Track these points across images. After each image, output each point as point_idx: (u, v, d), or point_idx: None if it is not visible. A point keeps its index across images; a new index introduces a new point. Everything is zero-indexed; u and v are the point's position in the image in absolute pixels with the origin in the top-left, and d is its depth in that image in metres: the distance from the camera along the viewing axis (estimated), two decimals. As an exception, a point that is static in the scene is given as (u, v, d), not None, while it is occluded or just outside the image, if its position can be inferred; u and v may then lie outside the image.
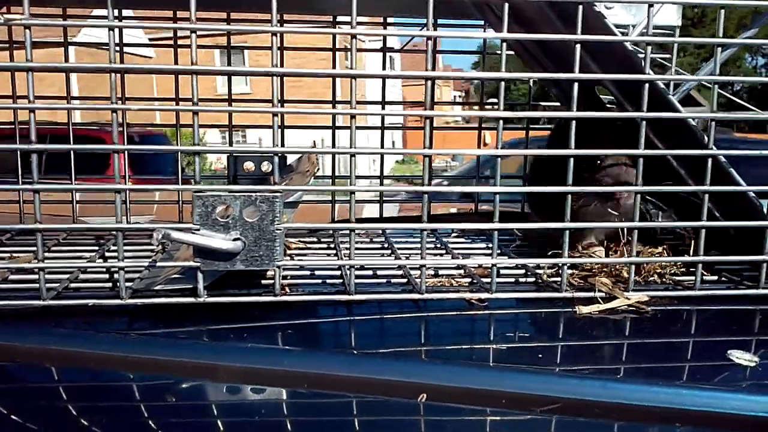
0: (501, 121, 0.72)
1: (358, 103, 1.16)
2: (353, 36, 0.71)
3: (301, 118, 0.82)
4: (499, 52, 0.74)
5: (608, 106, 0.95)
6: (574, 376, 0.59)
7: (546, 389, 0.57)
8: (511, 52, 1.21)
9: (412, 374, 0.59)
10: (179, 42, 1.09)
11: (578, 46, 0.72)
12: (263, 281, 0.81)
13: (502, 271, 0.83)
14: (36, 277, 0.81)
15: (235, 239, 0.69)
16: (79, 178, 1.13)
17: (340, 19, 1.18)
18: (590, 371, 0.60)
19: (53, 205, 1.16)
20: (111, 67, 0.68)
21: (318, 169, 0.78)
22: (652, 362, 0.63)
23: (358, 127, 1.13)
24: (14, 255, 0.92)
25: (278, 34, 0.71)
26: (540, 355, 0.63)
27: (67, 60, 1.03)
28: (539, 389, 0.57)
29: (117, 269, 0.71)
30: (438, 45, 1.31)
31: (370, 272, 0.84)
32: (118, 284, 0.79)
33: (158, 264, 0.73)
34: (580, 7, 0.72)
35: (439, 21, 1.17)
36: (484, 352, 0.66)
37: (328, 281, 0.82)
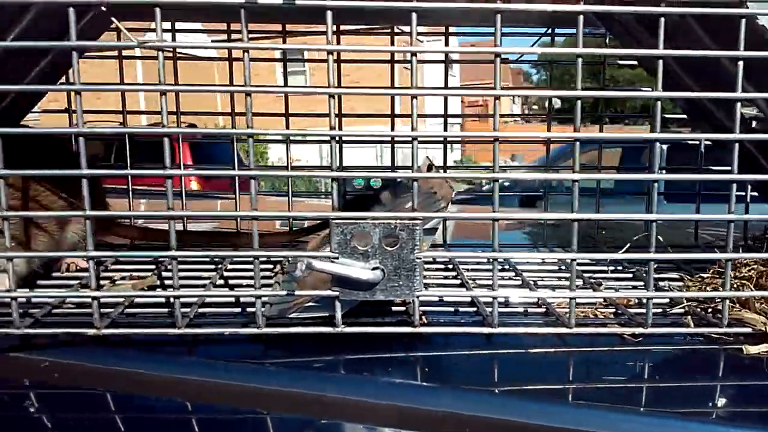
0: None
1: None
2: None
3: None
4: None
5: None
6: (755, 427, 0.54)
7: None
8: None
9: (577, 421, 0.54)
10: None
11: (740, 63, 0.67)
12: (393, 308, 0.78)
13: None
14: (158, 300, 0.80)
15: (374, 268, 0.67)
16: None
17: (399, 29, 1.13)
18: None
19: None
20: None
21: (454, 192, 0.74)
22: None
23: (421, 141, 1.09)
24: (134, 276, 0.92)
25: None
26: (711, 403, 0.58)
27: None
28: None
29: (255, 297, 0.69)
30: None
31: (501, 300, 0.80)
32: (246, 309, 0.78)
33: (296, 293, 0.70)
34: (743, 20, 0.67)
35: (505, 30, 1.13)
36: (644, 394, 0.61)
37: (460, 310, 0.78)
